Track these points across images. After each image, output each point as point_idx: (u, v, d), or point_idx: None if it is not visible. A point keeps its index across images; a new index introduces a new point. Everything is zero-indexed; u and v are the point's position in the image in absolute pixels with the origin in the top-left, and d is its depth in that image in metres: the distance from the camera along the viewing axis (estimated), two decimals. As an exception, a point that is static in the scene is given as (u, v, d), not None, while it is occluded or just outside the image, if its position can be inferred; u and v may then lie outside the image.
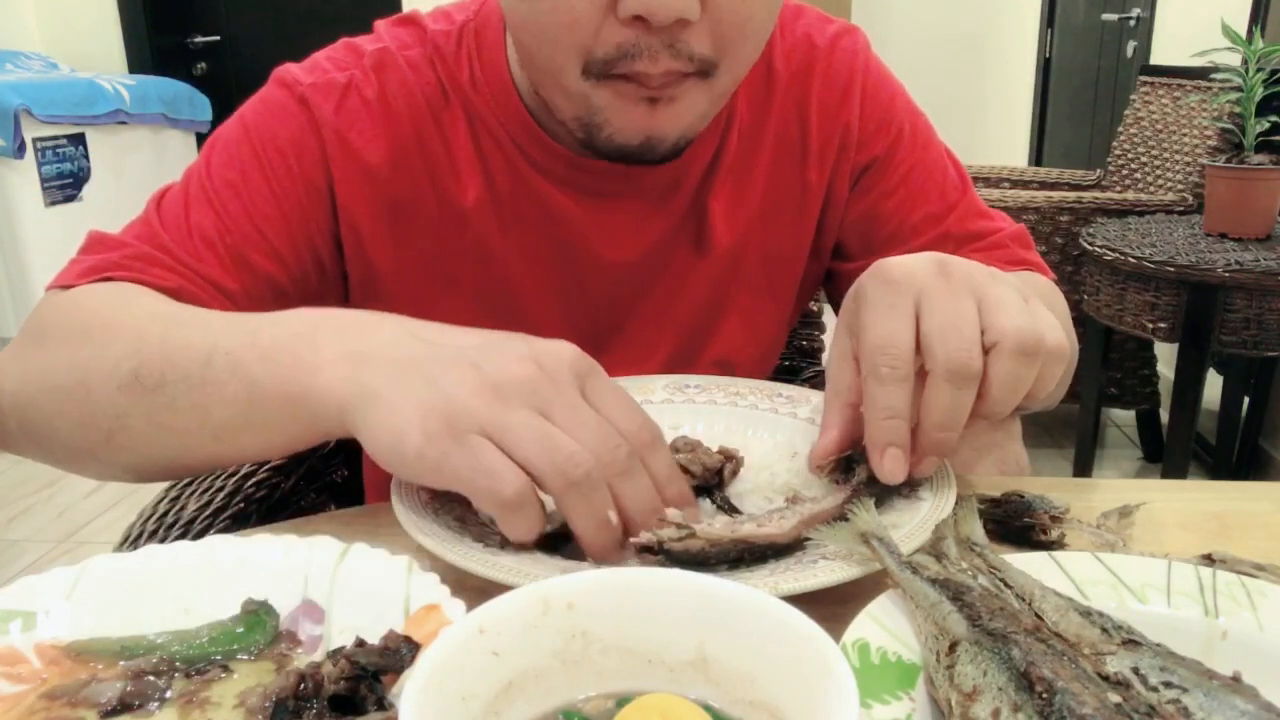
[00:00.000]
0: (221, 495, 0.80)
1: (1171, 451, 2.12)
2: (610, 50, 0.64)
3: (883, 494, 0.58)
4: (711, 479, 0.60)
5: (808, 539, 0.52)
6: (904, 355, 0.53)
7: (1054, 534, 0.59)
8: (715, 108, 0.72)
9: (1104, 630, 0.43)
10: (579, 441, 0.49)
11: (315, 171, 0.75)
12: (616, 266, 0.82)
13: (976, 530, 0.53)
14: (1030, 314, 0.53)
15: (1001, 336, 0.52)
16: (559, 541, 0.54)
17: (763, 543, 0.51)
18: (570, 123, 0.70)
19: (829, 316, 0.82)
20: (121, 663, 0.47)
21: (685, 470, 0.59)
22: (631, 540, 0.50)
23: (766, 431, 0.70)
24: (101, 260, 0.70)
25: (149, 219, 0.73)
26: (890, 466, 0.54)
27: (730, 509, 0.60)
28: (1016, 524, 0.60)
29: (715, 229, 0.83)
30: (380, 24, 0.81)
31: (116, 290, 0.67)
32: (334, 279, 0.79)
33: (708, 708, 0.37)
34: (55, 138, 3.12)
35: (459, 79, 0.78)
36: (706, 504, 0.60)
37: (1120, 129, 2.79)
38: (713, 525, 0.51)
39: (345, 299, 0.81)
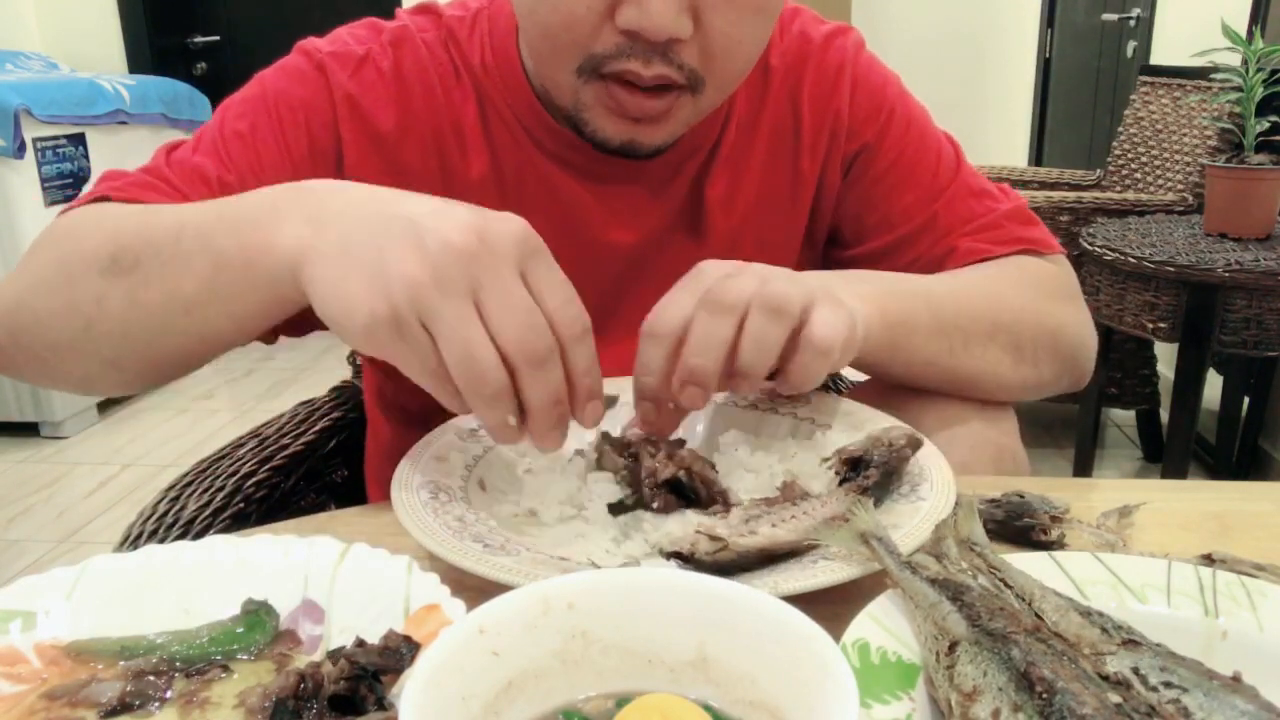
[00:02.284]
0: (221, 495, 0.80)
1: (1171, 451, 2.12)
2: (608, 49, 0.67)
3: (883, 494, 0.58)
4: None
5: (813, 542, 0.52)
6: (668, 322, 0.60)
7: (1054, 534, 0.59)
8: (698, 118, 0.76)
9: (1104, 630, 0.43)
10: (502, 326, 0.51)
11: (323, 134, 0.78)
12: (615, 248, 0.83)
13: (976, 530, 0.53)
14: (795, 291, 0.59)
15: (754, 296, 0.58)
16: None
17: (785, 550, 0.51)
18: (562, 110, 0.75)
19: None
20: (121, 663, 0.47)
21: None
22: (663, 550, 0.51)
23: (766, 431, 0.70)
24: (104, 187, 0.73)
25: (156, 158, 0.77)
26: (642, 415, 0.62)
27: (726, 504, 0.60)
28: (1016, 524, 0.60)
29: (712, 216, 0.85)
30: (401, 11, 0.85)
31: (105, 205, 0.71)
32: None
33: (708, 708, 0.37)
34: (55, 138, 3.12)
35: (471, 61, 0.81)
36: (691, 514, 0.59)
37: (1120, 129, 2.79)
38: (738, 532, 0.51)
39: None
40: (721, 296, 0.58)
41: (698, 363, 0.58)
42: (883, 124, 0.86)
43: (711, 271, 0.61)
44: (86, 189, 0.74)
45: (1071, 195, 2.46)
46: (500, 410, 0.53)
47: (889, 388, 0.78)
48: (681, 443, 0.63)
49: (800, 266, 0.91)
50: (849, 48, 0.86)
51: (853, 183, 0.87)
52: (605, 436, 0.63)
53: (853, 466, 0.59)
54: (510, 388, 0.53)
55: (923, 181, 0.86)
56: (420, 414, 0.87)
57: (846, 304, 0.62)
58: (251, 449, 0.89)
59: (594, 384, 0.57)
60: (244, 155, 0.76)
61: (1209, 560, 0.54)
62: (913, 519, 0.53)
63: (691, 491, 0.59)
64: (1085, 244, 2.14)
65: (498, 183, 0.81)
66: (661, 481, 0.58)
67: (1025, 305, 0.80)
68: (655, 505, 0.58)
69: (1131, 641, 0.42)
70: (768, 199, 0.86)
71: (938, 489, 0.57)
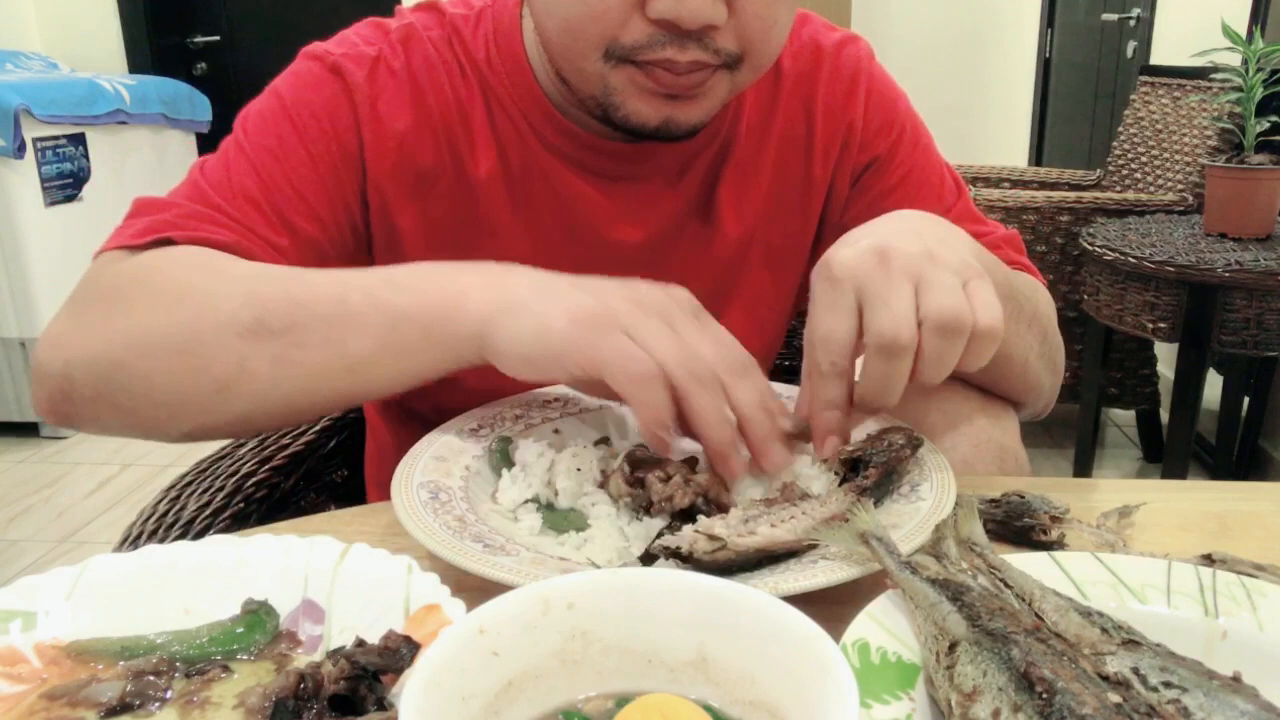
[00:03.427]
0: (221, 495, 0.80)
1: (1171, 451, 2.12)
2: (638, 39, 0.66)
3: (882, 494, 0.58)
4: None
5: (812, 541, 0.52)
6: (842, 350, 0.58)
7: (1054, 534, 0.59)
8: (732, 95, 0.75)
9: (1104, 630, 0.43)
10: (700, 345, 0.57)
11: (348, 135, 0.77)
12: (624, 247, 0.83)
13: (976, 530, 0.53)
14: (960, 294, 0.57)
15: (926, 315, 0.56)
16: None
17: (783, 550, 0.51)
18: (587, 100, 0.73)
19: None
20: (121, 663, 0.47)
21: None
22: (661, 543, 0.51)
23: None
24: (156, 221, 0.70)
25: (194, 182, 0.75)
26: (830, 451, 0.61)
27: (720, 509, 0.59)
28: (1016, 524, 0.60)
29: (723, 219, 0.84)
30: (402, 9, 0.84)
31: (191, 253, 0.69)
32: (365, 241, 0.81)
33: (708, 708, 0.37)
34: (55, 138, 3.11)
35: (476, 58, 0.80)
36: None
37: (1120, 129, 2.79)
38: (736, 532, 0.51)
39: (371, 261, 0.82)
40: (894, 337, 0.55)
41: (882, 402, 0.59)
42: (894, 139, 0.87)
43: (849, 277, 0.58)
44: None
45: (1071, 195, 2.46)
46: (717, 398, 0.57)
47: None
48: (694, 462, 0.62)
49: (807, 274, 0.91)
50: (862, 56, 0.87)
51: (859, 194, 0.87)
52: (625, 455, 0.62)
53: (851, 467, 0.59)
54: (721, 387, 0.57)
55: (929, 199, 0.86)
56: (417, 411, 0.87)
57: (982, 269, 0.60)
58: (251, 449, 0.89)
59: (781, 408, 0.61)
60: (279, 171, 0.74)
61: (1209, 560, 0.54)
62: (913, 519, 0.53)
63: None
64: (1085, 244, 2.14)
65: (505, 179, 0.81)
66: (678, 510, 0.58)
67: (1048, 310, 0.81)
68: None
69: (1131, 641, 0.42)
70: (778, 203, 0.86)
71: (938, 489, 0.57)
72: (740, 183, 0.84)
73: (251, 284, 0.65)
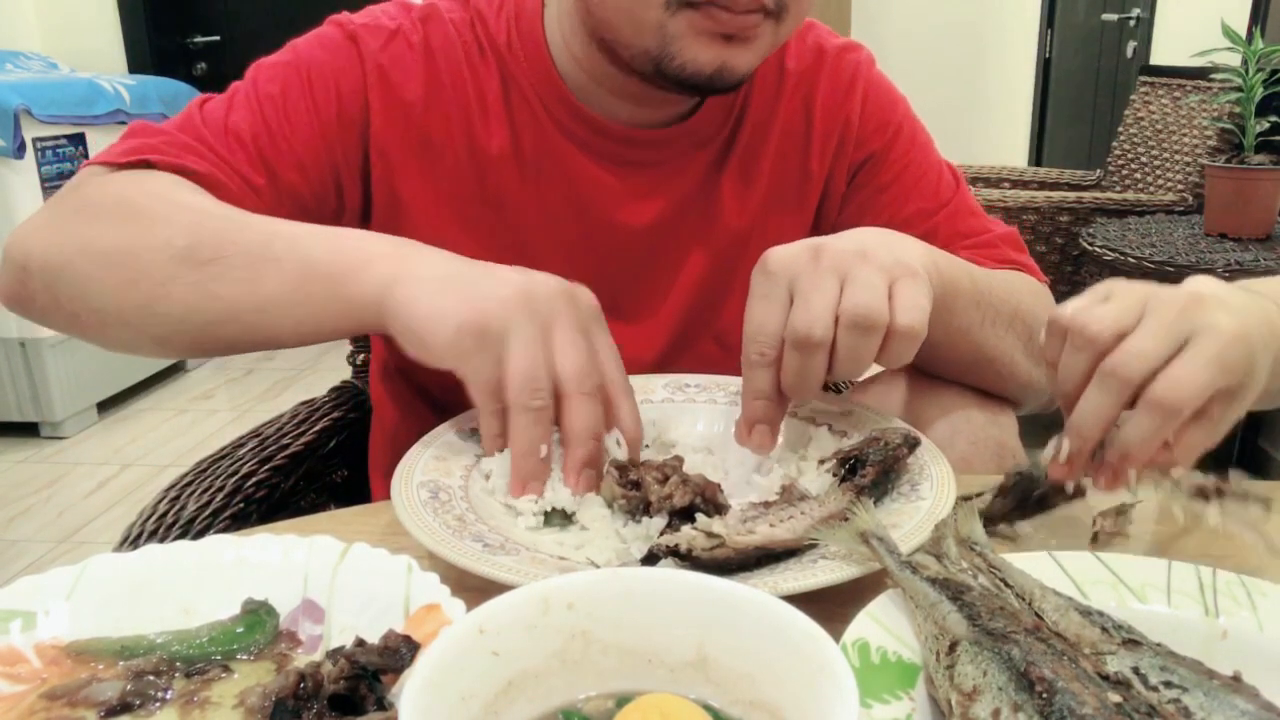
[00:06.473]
0: (221, 495, 0.80)
1: (1171, 451, 2.12)
2: None
3: (881, 494, 0.58)
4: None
5: (812, 541, 0.52)
6: (770, 341, 0.61)
7: (1069, 488, 0.59)
8: (773, 49, 0.78)
9: (1104, 630, 0.43)
10: (564, 356, 0.59)
11: (352, 101, 0.80)
12: (628, 230, 0.85)
13: (976, 530, 0.53)
14: (880, 291, 0.59)
15: (841, 311, 0.59)
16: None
17: (781, 549, 0.51)
18: (639, 57, 0.75)
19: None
20: (121, 663, 0.47)
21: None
22: (660, 541, 0.51)
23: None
24: (142, 144, 0.75)
25: (190, 115, 0.79)
26: (757, 440, 0.64)
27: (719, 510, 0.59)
28: (1035, 497, 0.60)
29: (725, 210, 0.87)
30: None
31: (160, 179, 0.73)
32: (351, 207, 0.84)
33: (708, 708, 0.37)
34: (55, 138, 3.11)
35: (496, 40, 0.83)
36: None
37: (1120, 129, 2.79)
38: (735, 531, 0.51)
39: (365, 226, 0.84)
40: (807, 333, 0.59)
41: (798, 394, 0.62)
42: (890, 137, 0.89)
43: (782, 271, 0.61)
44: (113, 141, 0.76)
45: (1071, 195, 2.46)
46: (539, 428, 0.58)
47: (891, 383, 0.79)
48: (681, 460, 0.62)
49: None
50: (862, 61, 0.90)
51: (856, 190, 0.90)
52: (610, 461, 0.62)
53: (849, 467, 0.59)
54: (553, 413, 0.59)
55: (925, 194, 0.89)
56: (424, 388, 0.89)
57: (919, 270, 0.62)
58: (251, 449, 0.89)
59: (638, 437, 0.64)
60: (276, 117, 0.78)
61: (1221, 490, 0.54)
62: (913, 518, 0.53)
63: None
64: (1085, 244, 2.14)
65: (517, 158, 0.83)
66: (677, 509, 0.58)
67: (1034, 307, 0.81)
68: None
69: (1132, 641, 0.42)
70: (777, 198, 0.88)
71: (937, 488, 0.57)
72: (743, 176, 0.87)
73: (197, 215, 0.68)
